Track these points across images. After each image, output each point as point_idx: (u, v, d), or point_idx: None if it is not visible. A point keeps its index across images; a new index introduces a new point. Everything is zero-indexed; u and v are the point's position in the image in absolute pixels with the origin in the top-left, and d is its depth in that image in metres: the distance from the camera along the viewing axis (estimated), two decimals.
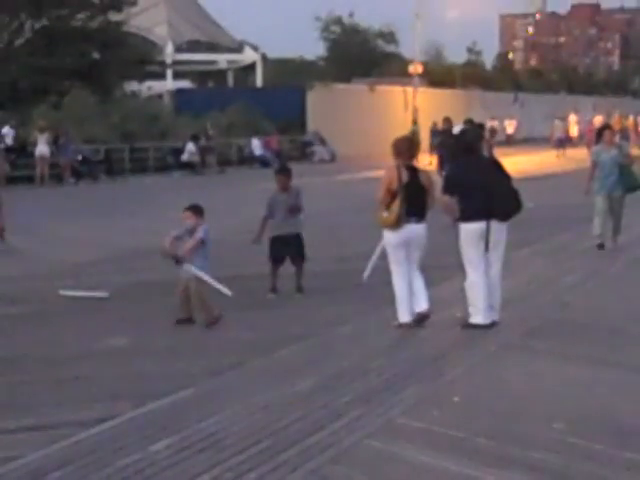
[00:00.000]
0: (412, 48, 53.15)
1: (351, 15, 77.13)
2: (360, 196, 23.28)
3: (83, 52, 40.77)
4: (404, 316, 9.41)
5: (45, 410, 6.96)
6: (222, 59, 59.73)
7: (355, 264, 10.70)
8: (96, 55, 42.10)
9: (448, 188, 9.47)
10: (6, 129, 31.78)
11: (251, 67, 60.54)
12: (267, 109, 41.54)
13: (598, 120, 48.87)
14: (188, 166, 34.73)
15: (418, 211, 9.36)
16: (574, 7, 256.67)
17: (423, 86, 54.02)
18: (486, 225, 9.19)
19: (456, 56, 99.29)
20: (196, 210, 9.82)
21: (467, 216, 9.29)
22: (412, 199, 9.26)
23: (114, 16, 42.35)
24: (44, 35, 40.82)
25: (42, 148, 29.26)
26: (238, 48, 60.30)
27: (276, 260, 11.27)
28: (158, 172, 34.71)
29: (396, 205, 9.22)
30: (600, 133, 14.81)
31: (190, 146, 34.79)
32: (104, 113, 36.42)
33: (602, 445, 6.08)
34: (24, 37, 41.57)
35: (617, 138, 17.44)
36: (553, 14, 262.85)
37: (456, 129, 10.63)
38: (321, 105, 44.33)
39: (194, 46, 56.56)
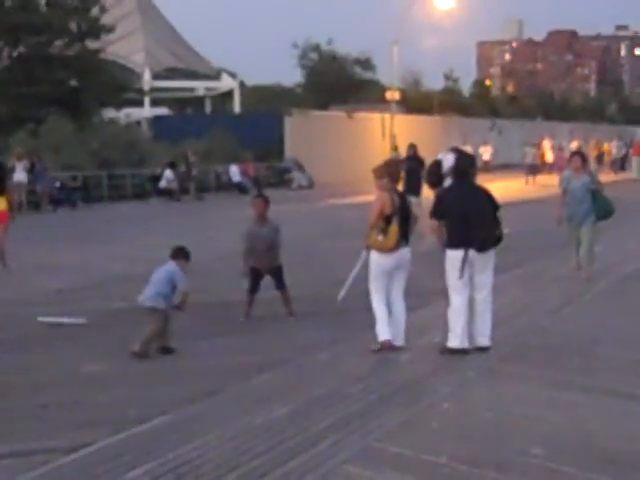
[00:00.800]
0: (390, 75, 53.34)
1: (330, 42, 77.40)
2: (339, 222, 23.38)
3: (61, 79, 40.77)
4: (384, 334, 9.41)
5: (22, 437, 6.94)
6: (200, 86, 60.04)
7: (334, 290, 10.70)
8: (74, 82, 42.06)
9: (436, 212, 9.49)
10: None
11: (229, 94, 60.82)
12: (245, 136, 41.55)
13: (574, 145, 49.04)
14: (166, 193, 34.71)
15: (406, 235, 9.45)
16: (550, 34, 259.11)
17: (401, 113, 54.18)
18: (464, 253, 9.22)
19: (434, 83, 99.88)
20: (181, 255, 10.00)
21: (450, 242, 9.35)
22: (402, 223, 9.35)
23: (92, 43, 42.42)
24: (22, 62, 40.82)
25: (19, 175, 29.11)
26: (216, 75, 60.62)
27: (253, 291, 11.44)
28: (136, 199, 34.63)
29: (394, 229, 9.27)
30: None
31: (168, 173, 34.74)
32: (82, 140, 36.31)
33: (580, 470, 6.10)
34: (1, 64, 41.57)
35: (591, 165, 17.33)
36: (530, 41, 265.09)
37: (440, 156, 10.64)
38: (299, 132, 44.40)
39: (172, 73, 56.81)
